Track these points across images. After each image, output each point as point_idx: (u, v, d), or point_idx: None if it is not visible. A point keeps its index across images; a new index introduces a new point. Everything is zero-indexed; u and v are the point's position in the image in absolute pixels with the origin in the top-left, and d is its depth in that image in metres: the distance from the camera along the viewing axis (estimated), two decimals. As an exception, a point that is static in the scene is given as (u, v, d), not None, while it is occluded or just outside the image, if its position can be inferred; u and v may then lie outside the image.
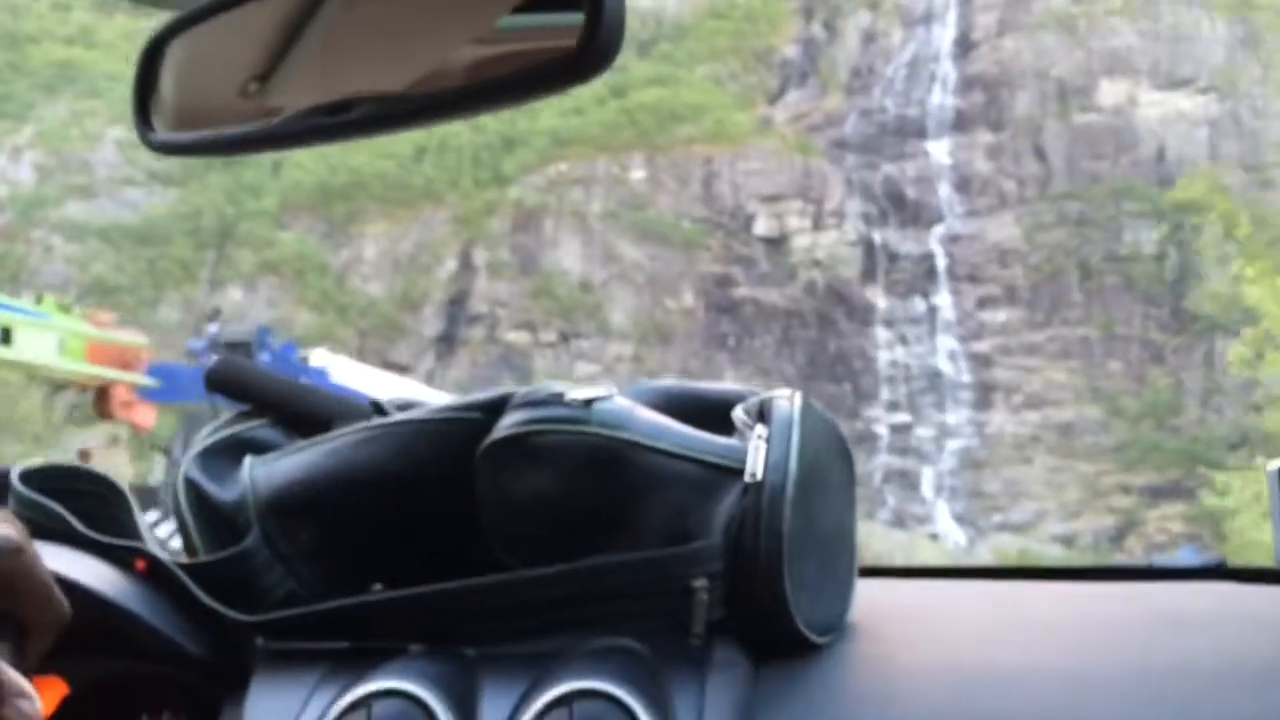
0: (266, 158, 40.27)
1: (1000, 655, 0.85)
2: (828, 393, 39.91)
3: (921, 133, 44.51)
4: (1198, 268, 42.50)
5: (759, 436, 0.85)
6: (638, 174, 42.18)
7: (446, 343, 39.47)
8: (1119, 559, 35.15)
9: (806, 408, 0.88)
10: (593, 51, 0.61)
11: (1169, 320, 41.50)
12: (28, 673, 0.56)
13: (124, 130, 39.85)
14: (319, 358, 20.00)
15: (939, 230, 42.93)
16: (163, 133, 0.79)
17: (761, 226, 42.65)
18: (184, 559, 0.96)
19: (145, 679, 0.91)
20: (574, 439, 0.86)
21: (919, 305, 41.90)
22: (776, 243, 42.56)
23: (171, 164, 39.81)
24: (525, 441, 0.87)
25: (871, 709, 0.80)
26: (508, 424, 0.88)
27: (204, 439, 1.00)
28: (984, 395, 40.29)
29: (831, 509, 0.90)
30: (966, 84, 45.25)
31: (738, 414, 0.90)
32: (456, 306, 39.88)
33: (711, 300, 41.33)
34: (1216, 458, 38.67)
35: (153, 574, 0.91)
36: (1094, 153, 43.05)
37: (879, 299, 41.92)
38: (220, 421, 1.02)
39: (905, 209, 43.16)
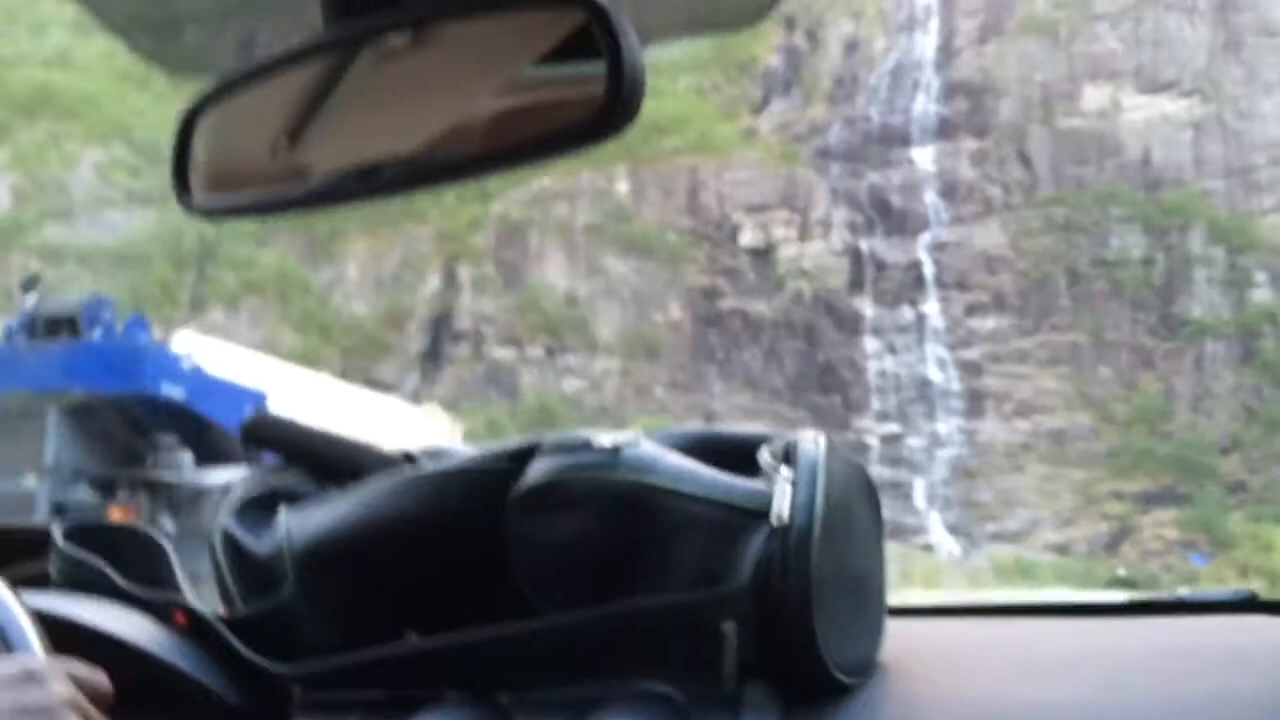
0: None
1: (1031, 693, 0.86)
2: (817, 404, 39.63)
3: (906, 140, 44.37)
4: (1186, 272, 42.47)
5: (785, 479, 0.86)
6: (622, 187, 41.90)
7: (431, 360, 39.09)
8: (1114, 564, 34.95)
9: (831, 449, 0.89)
10: (615, 108, 0.63)
11: (1158, 325, 41.35)
12: None
13: (101, 152, 39.45)
14: (184, 341, 16.26)
15: (926, 238, 42.74)
16: (200, 197, 0.83)
17: (747, 237, 42.41)
18: (222, 611, 0.98)
19: None
20: (602, 485, 0.88)
21: (907, 314, 41.68)
22: (763, 253, 42.31)
23: (150, 184, 39.43)
24: (555, 488, 0.89)
25: None
26: (537, 472, 0.90)
27: (240, 491, 1.02)
28: (974, 403, 40.06)
29: (859, 550, 0.91)
30: (950, 91, 45.14)
31: (763, 456, 0.91)
32: (441, 323, 39.52)
33: (698, 313, 41.03)
34: (1209, 463, 38.53)
35: (192, 627, 0.94)
36: (1079, 158, 42.94)
37: (867, 308, 41.68)
38: (256, 474, 1.04)
39: (891, 217, 42.97)
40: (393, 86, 0.76)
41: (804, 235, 42.33)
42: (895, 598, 0.99)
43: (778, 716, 0.81)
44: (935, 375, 40.70)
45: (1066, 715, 0.81)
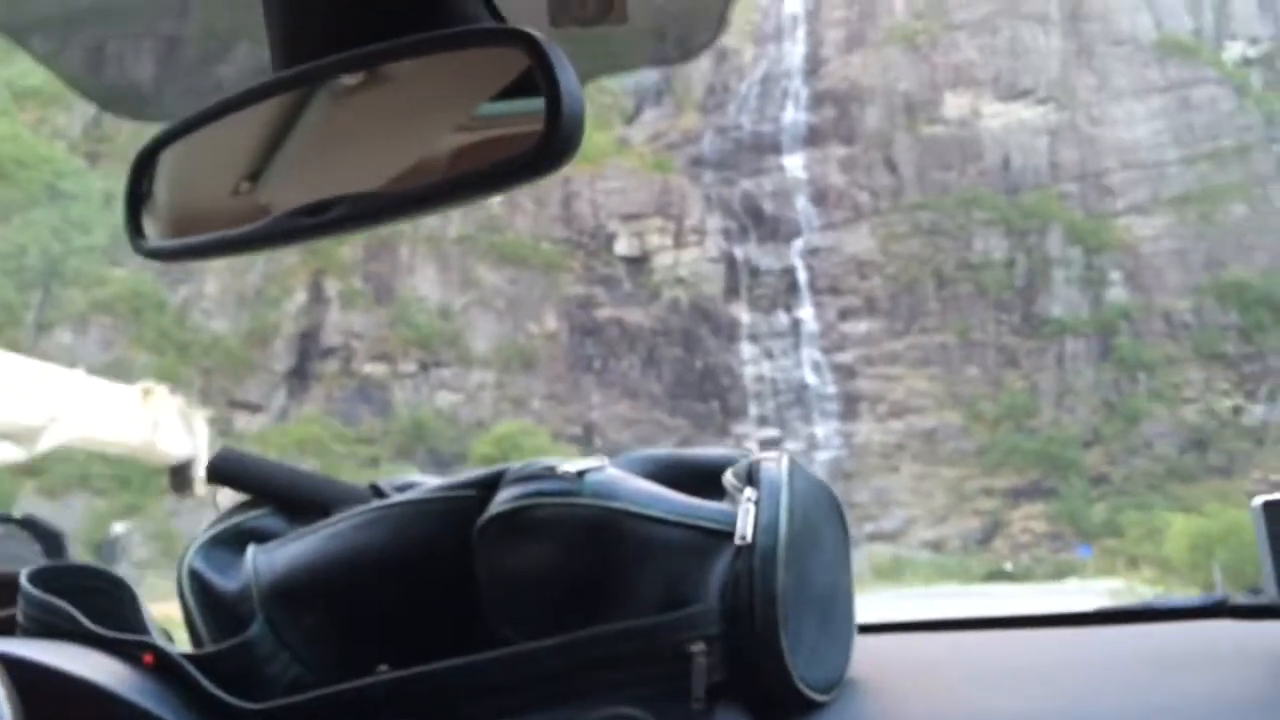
0: (96, 189, 37.86)
1: (1001, 704, 0.87)
2: (696, 411, 39.59)
3: (777, 148, 44.84)
4: (1046, 273, 43.92)
5: (749, 500, 0.88)
6: (494, 197, 41.20)
7: (299, 378, 37.66)
8: (988, 558, 35.77)
9: (795, 469, 0.91)
10: (554, 144, 0.65)
11: (1021, 325, 42.62)
12: None
13: (-68, 165, 36.95)
14: None
15: (798, 244, 43.21)
16: (155, 240, 0.83)
17: (623, 246, 42.19)
18: (190, 650, 0.99)
19: None
20: (567, 511, 0.89)
21: (782, 319, 42.04)
22: (638, 261, 42.15)
23: (-11, 200, 37.08)
24: (520, 516, 0.90)
25: None
26: (502, 500, 0.91)
27: (207, 530, 1.03)
28: (849, 406, 40.58)
29: (826, 568, 0.92)
30: (818, 100, 45.82)
31: (727, 478, 0.93)
32: (308, 340, 38.12)
33: (575, 322, 40.60)
34: (1072, 457, 39.83)
35: (160, 667, 0.94)
36: (942, 163, 44.04)
37: (743, 314, 41.88)
38: (222, 512, 1.05)
39: (764, 224, 43.32)
40: (348, 125, 0.78)
41: (679, 243, 42.33)
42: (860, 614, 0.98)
43: None
44: (811, 379, 41.13)
45: None
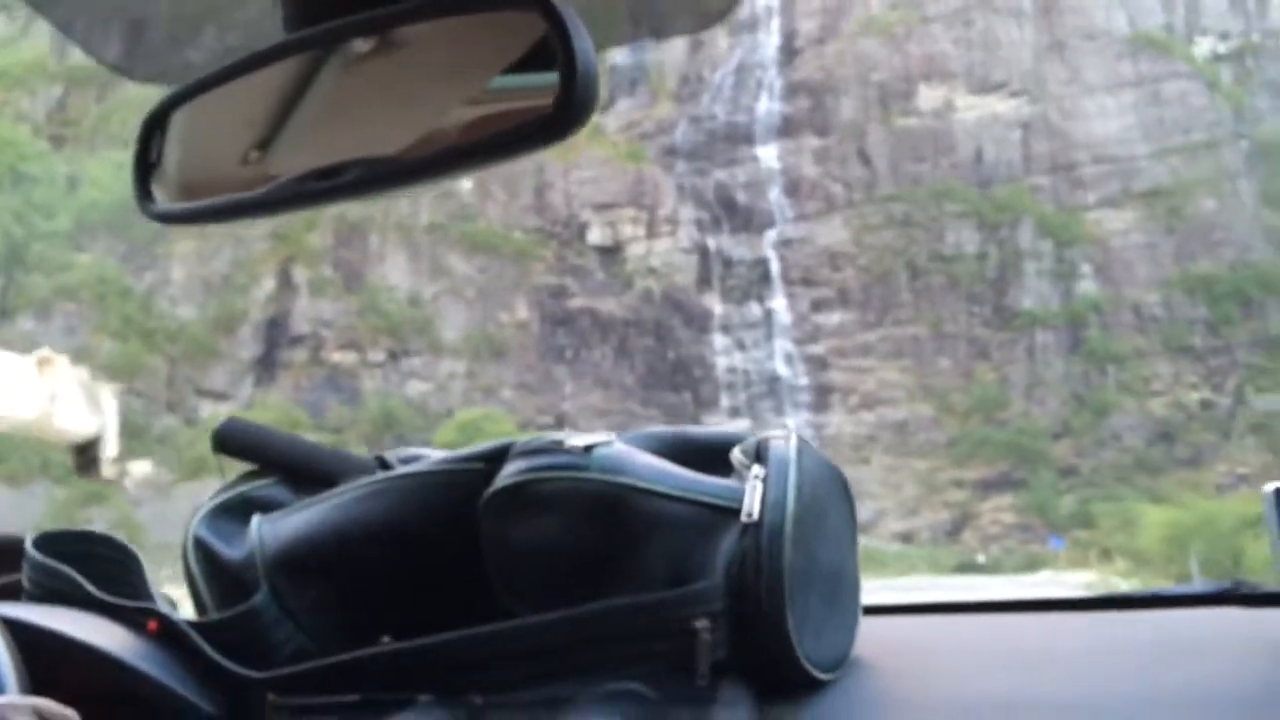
0: (60, 173, 37.23)
1: (1006, 687, 0.87)
2: (668, 401, 39.47)
3: (750, 139, 44.72)
4: (1017, 265, 44.07)
5: (756, 477, 0.88)
6: (466, 184, 40.89)
7: (266, 366, 37.22)
8: (957, 550, 35.90)
9: (804, 448, 0.91)
10: (570, 109, 0.65)
11: (992, 317, 42.76)
12: None
13: (-110, 147, 36.27)
14: None
15: (771, 235, 43.13)
16: (163, 203, 0.83)
17: (595, 235, 41.98)
18: (195, 617, 1.00)
19: None
20: (574, 486, 0.89)
21: (755, 310, 41.97)
22: (611, 251, 41.95)
23: (-51, 183, 36.42)
24: (526, 490, 0.90)
25: None
26: (509, 473, 0.91)
27: (211, 499, 1.03)
28: (821, 397, 40.59)
29: (832, 547, 0.91)
30: (792, 90, 45.71)
31: (735, 455, 0.93)
32: (276, 328, 37.68)
33: (546, 312, 40.37)
34: (1042, 449, 40.03)
35: (164, 634, 0.95)
36: (915, 155, 44.06)
37: (715, 305, 41.79)
38: (227, 481, 1.05)
39: (737, 214, 43.21)
40: (360, 92, 0.77)
41: (652, 233, 42.16)
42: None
43: (751, 712, 0.82)
44: (783, 370, 41.10)
45: (1043, 710, 0.81)
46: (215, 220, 0.83)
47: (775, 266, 42.50)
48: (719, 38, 47.63)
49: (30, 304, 35.89)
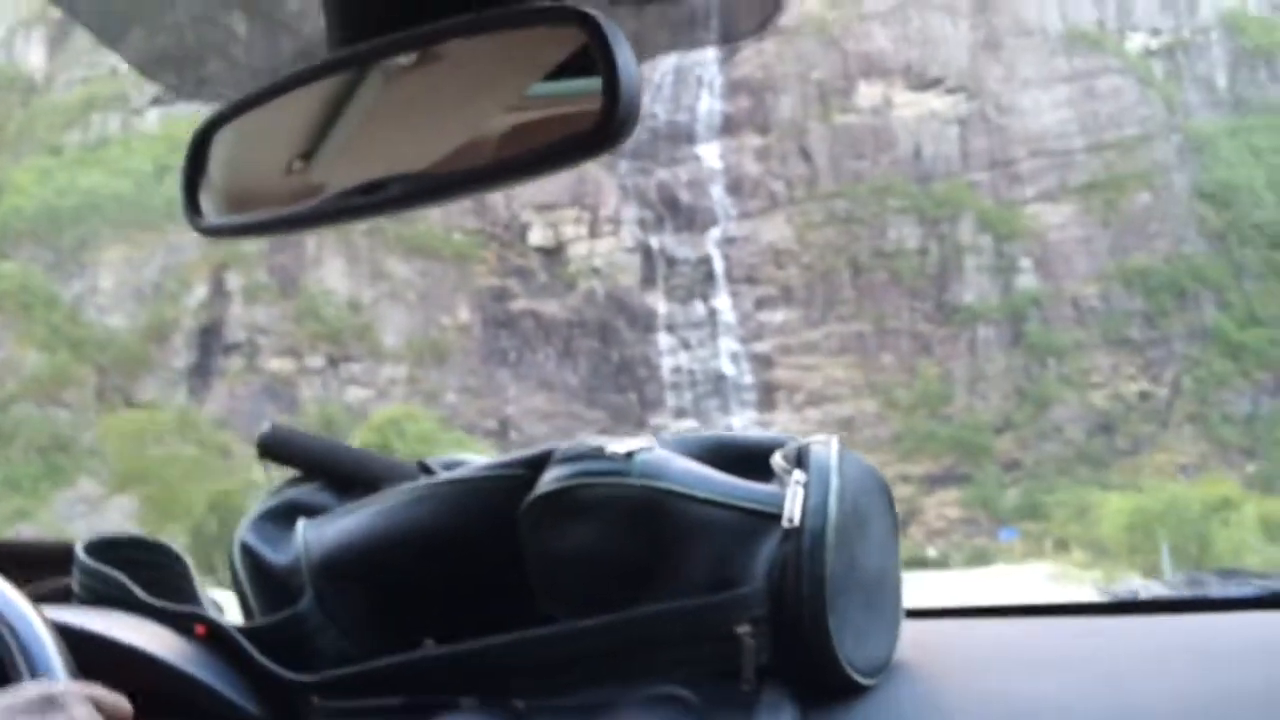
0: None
1: (1047, 691, 0.86)
2: (614, 403, 39.17)
3: (692, 137, 44.56)
4: (958, 261, 44.40)
5: (797, 482, 0.87)
6: (404, 186, 40.23)
7: (200, 375, 36.30)
8: (904, 545, 35.97)
9: (845, 453, 0.90)
10: (613, 122, 0.66)
11: (934, 312, 43.02)
12: None
13: None
14: None
15: (714, 233, 43.00)
16: (211, 218, 0.85)
17: (537, 236, 41.55)
18: (241, 622, 1.02)
19: None
20: (616, 491, 0.89)
21: (699, 309, 41.81)
22: (553, 252, 41.55)
23: None
24: (568, 496, 0.90)
25: None
26: (550, 479, 0.91)
27: (258, 505, 1.05)
28: (767, 395, 40.53)
29: (874, 552, 0.91)
30: (733, 88, 45.64)
31: (776, 460, 0.92)
32: (209, 335, 36.76)
33: (489, 314, 39.86)
34: (985, 443, 40.33)
35: (212, 638, 0.97)
36: (856, 152, 44.20)
37: (660, 305, 41.56)
38: (273, 487, 1.07)
39: (680, 213, 43.02)
40: (401, 105, 0.78)
41: (594, 233, 41.83)
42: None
43: (794, 717, 0.82)
44: (729, 369, 40.98)
45: (1085, 714, 0.81)
46: (262, 234, 0.85)
47: (719, 265, 42.38)
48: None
49: (-49, 314, 34.70)
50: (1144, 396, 43.59)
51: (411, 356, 37.98)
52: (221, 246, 37.54)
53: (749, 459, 0.93)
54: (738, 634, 0.83)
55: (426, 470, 1.05)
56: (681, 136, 44.56)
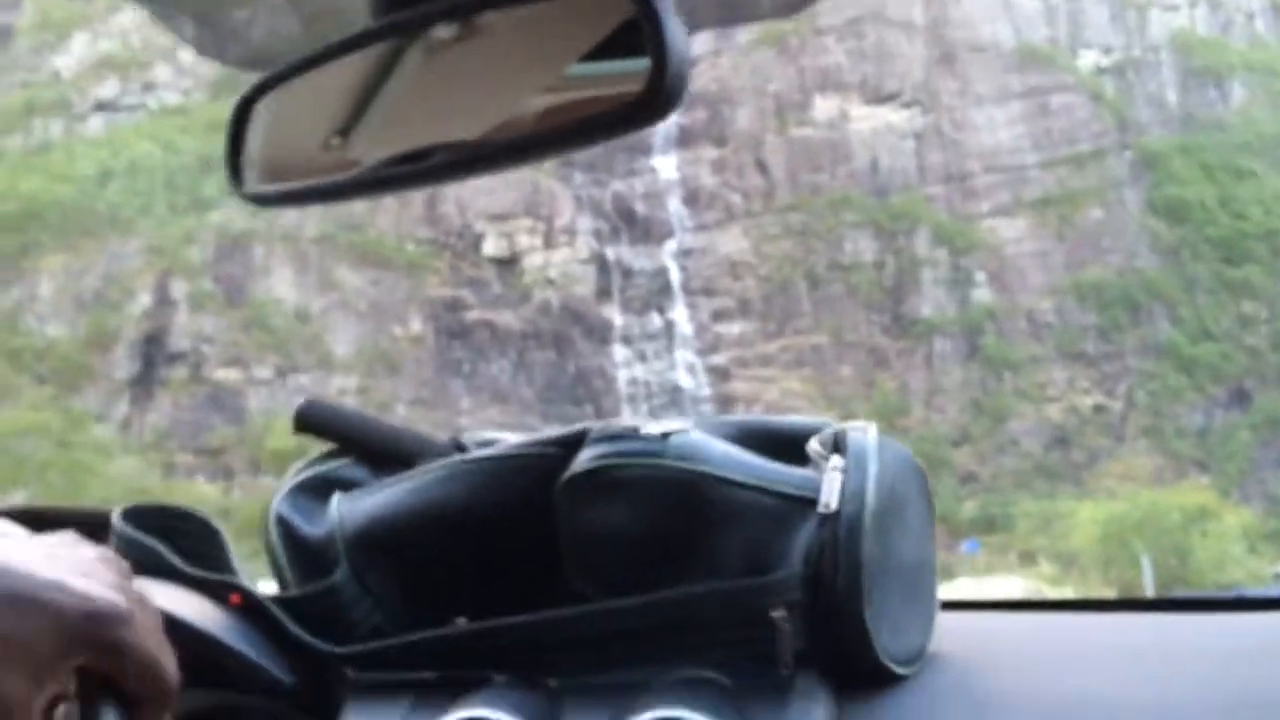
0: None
1: (1084, 686, 0.87)
2: (569, 415, 38.60)
3: (648, 149, 44.34)
4: (915, 274, 44.44)
5: (834, 468, 0.87)
6: (356, 195, 39.58)
7: (143, 385, 35.30)
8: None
9: (883, 440, 0.90)
10: (660, 95, 0.65)
11: (891, 325, 42.96)
12: None
13: None
14: None
15: (671, 245, 42.73)
16: (252, 185, 0.87)
17: (491, 246, 41.02)
18: (275, 593, 1.03)
19: (241, 710, 0.97)
20: (651, 472, 0.88)
21: (656, 321, 41.43)
22: (508, 263, 41.05)
23: None
24: (603, 475, 0.89)
25: None
26: (585, 458, 0.90)
27: (292, 477, 1.06)
28: (724, 408, 40.15)
29: (911, 541, 0.91)
30: (689, 101, 45.49)
31: (813, 445, 0.92)
32: (153, 345, 35.80)
33: (441, 325, 39.22)
34: (943, 456, 40.19)
35: (246, 608, 0.97)
36: (812, 165, 44.18)
37: (615, 316, 41.14)
38: (308, 459, 1.07)
39: (636, 225, 42.71)
40: (442, 77, 0.79)
41: (549, 243, 41.39)
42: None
43: (828, 704, 0.82)
44: (686, 381, 40.60)
45: (1119, 710, 0.81)
46: (304, 202, 0.86)
47: (675, 277, 42.08)
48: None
49: (-120, 323, 33.56)
50: (1099, 410, 43.77)
51: (363, 367, 37.27)
52: (166, 255, 36.70)
53: (783, 444, 0.92)
54: (773, 618, 0.82)
55: (460, 448, 1.03)
56: (638, 148, 44.34)
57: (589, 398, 39.46)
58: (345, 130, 0.80)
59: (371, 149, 0.78)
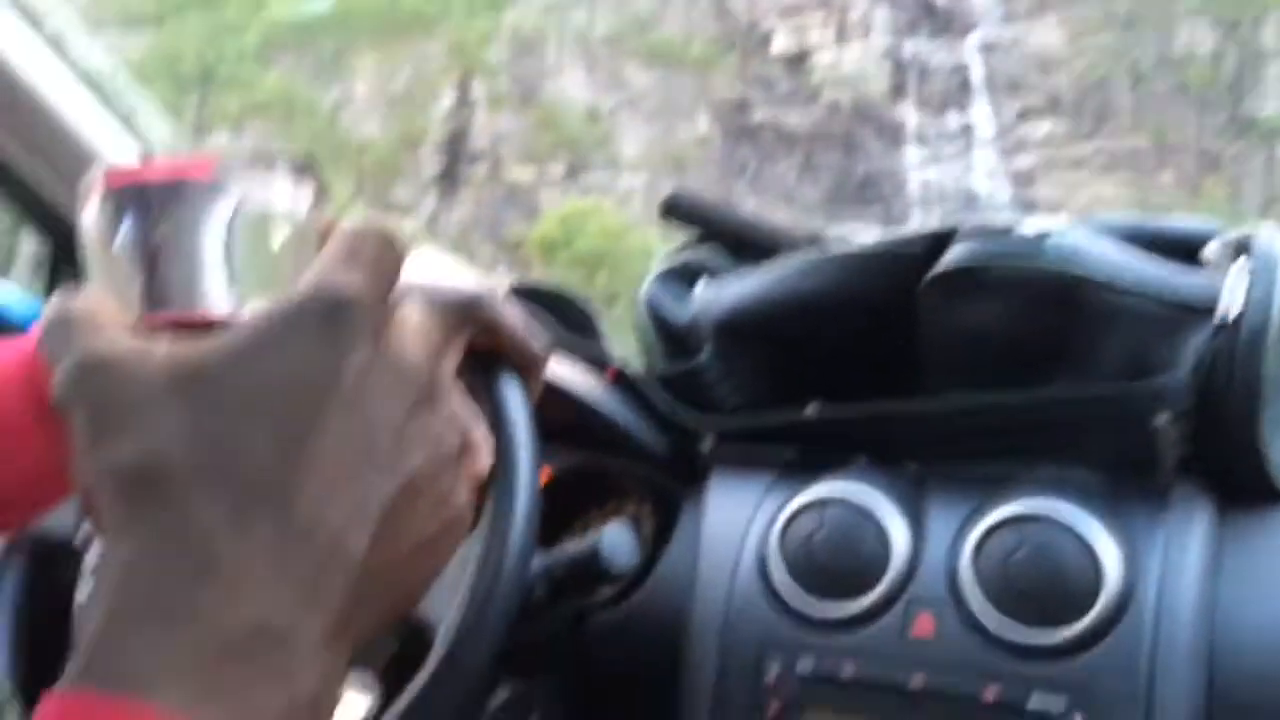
0: (246, -6, 37.51)
1: None
2: (856, 217, 37.43)
3: (953, -68, 40.78)
4: (1257, 69, 39.10)
5: (1240, 270, 0.82)
6: (644, -9, 39.07)
7: (448, 182, 37.17)
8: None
9: None
10: None
11: (1226, 125, 38.31)
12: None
13: (89, -33, 37.23)
14: None
15: (974, 38, 39.56)
16: None
17: (780, 44, 39.50)
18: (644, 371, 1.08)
19: (614, 471, 1.03)
20: (1023, 274, 0.85)
21: (953, 120, 38.89)
22: (797, 61, 39.48)
23: (145, 6, 37.32)
24: (974, 274, 0.87)
25: None
26: (955, 255, 0.88)
27: (659, 265, 1.10)
28: (1025, 214, 37.58)
29: None
30: (1002, -122, 41.22)
31: (1211, 249, 0.87)
32: (456, 143, 37.43)
33: (728, 126, 38.57)
34: None
35: (620, 382, 1.03)
36: (1145, -59, 39.21)
37: (910, 116, 38.92)
38: (674, 247, 1.12)
39: (937, 16, 39.73)
40: None
41: (841, 38, 39.34)
42: None
43: (1210, 515, 0.79)
44: (983, 186, 38.18)
45: None
46: None
47: (978, 72, 39.08)
48: None
49: (225, 120, 36.78)
50: None
51: (650, 167, 37.42)
52: (468, 55, 37.81)
53: (1177, 248, 0.86)
54: (1155, 425, 0.78)
55: (819, 241, 1.04)
56: (941, -67, 40.88)
57: (878, 201, 37.96)
58: None
59: None
